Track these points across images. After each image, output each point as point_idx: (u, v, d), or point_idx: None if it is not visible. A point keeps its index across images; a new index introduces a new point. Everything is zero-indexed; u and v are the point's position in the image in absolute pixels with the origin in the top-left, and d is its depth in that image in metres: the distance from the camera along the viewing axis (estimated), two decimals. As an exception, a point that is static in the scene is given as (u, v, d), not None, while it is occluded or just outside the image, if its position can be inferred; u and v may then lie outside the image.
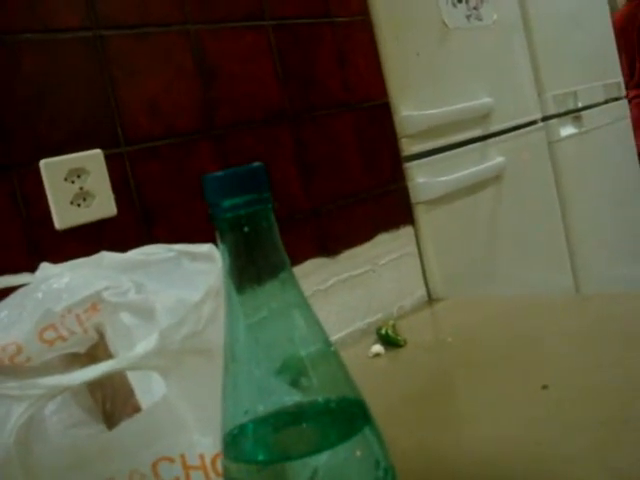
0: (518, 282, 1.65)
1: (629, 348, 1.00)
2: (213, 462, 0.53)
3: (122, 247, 0.69)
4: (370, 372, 1.13)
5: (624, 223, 2.10)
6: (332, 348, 0.45)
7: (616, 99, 2.17)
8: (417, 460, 0.79)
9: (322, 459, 0.40)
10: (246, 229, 0.42)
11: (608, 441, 0.77)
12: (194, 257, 0.62)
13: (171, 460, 0.54)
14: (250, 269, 0.43)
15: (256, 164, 0.43)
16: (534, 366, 1.02)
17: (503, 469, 0.76)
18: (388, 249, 1.39)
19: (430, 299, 1.47)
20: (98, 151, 0.99)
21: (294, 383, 0.43)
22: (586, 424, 0.81)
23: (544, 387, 0.93)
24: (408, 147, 1.45)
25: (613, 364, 0.96)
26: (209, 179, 0.42)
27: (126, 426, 0.54)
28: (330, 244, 1.28)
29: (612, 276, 1.95)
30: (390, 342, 1.23)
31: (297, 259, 1.22)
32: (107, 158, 1.00)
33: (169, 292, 0.59)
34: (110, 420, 0.69)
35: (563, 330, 1.13)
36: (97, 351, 0.66)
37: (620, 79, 2.23)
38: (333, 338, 1.24)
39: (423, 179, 1.45)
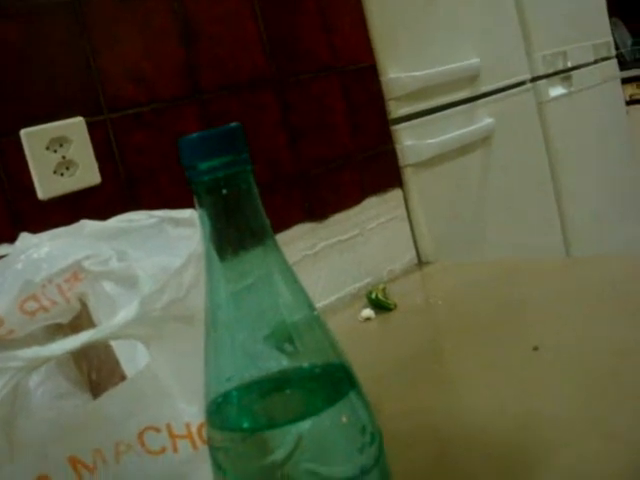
0: (508, 244, 1.65)
1: (619, 310, 1.00)
2: (199, 431, 0.52)
3: (107, 215, 0.68)
4: (361, 336, 1.13)
5: (614, 184, 2.09)
6: (316, 313, 0.44)
7: (606, 59, 2.15)
8: (405, 425, 0.79)
9: (307, 425, 0.39)
10: (224, 192, 0.41)
11: (600, 403, 0.77)
12: (177, 223, 0.61)
13: (157, 430, 0.53)
14: (231, 234, 0.42)
15: (233, 124, 0.41)
16: (525, 328, 1.02)
17: (493, 433, 0.75)
18: (377, 213, 1.38)
19: (420, 262, 1.47)
20: (80, 119, 0.98)
21: (278, 349, 0.42)
22: (577, 386, 0.81)
23: (535, 349, 0.93)
24: (395, 109, 1.43)
25: (604, 326, 0.96)
26: (185, 141, 0.41)
27: (110, 396, 0.53)
28: (318, 209, 1.27)
29: (602, 237, 1.95)
30: (380, 306, 1.22)
31: (285, 224, 1.21)
32: (89, 126, 0.99)
33: (152, 259, 0.58)
34: (96, 390, 0.69)
35: (553, 292, 1.13)
36: (81, 321, 0.65)
37: (610, 38, 2.21)
38: (323, 303, 1.25)
39: (411, 141, 1.44)
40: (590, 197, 1.98)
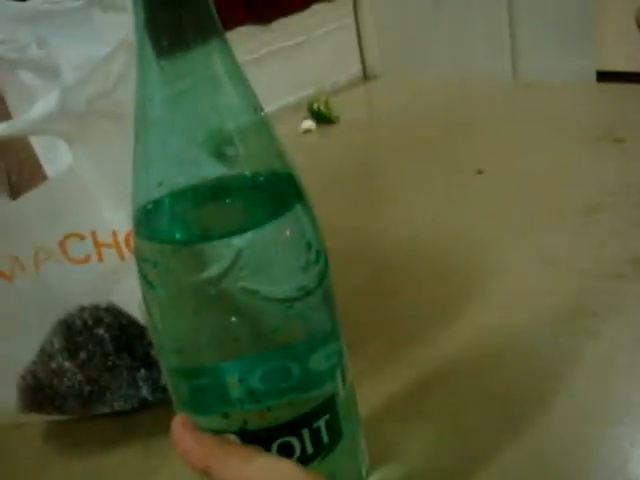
0: (457, 64, 1.60)
1: (558, 137, 0.98)
2: (126, 239, 0.48)
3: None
4: (301, 148, 1.09)
5: (572, 6, 2.02)
6: (263, 116, 0.39)
7: None
8: (344, 242, 0.77)
9: (247, 239, 0.35)
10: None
11: (541, 227, 0.76)
12: (106, 7, 0.53)
13: (81, 237, 0.49)
14: (169, 22, 0.36)
15: None
16: (470, 150, 1.00)
17: (434, 248, 0.75)
18: (325, 20, 1.30)
19: (366, 76, 1.41)
20: None
21: (218, 155, 0.37)
22: (520, 210, 0.80)
23: (479, 172, 0.91)
24: None
25: (549, 152, 0.94)
26: None
27: (28, 199, 0.48)
28: (263, 10, 1.19)
29: (553, 67, 1.90)
30: (322, 118, 1.17)
31: (225, 25, 1.12)
32: None
33: (76, 47, 0.51)
34: (16, 194, 0.63)
35: (500, 116, 1.10)
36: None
37: None
38: (262, 112, 1.19)
39: (365, -56, 1.35)
40: (545, 17, 1.90)
